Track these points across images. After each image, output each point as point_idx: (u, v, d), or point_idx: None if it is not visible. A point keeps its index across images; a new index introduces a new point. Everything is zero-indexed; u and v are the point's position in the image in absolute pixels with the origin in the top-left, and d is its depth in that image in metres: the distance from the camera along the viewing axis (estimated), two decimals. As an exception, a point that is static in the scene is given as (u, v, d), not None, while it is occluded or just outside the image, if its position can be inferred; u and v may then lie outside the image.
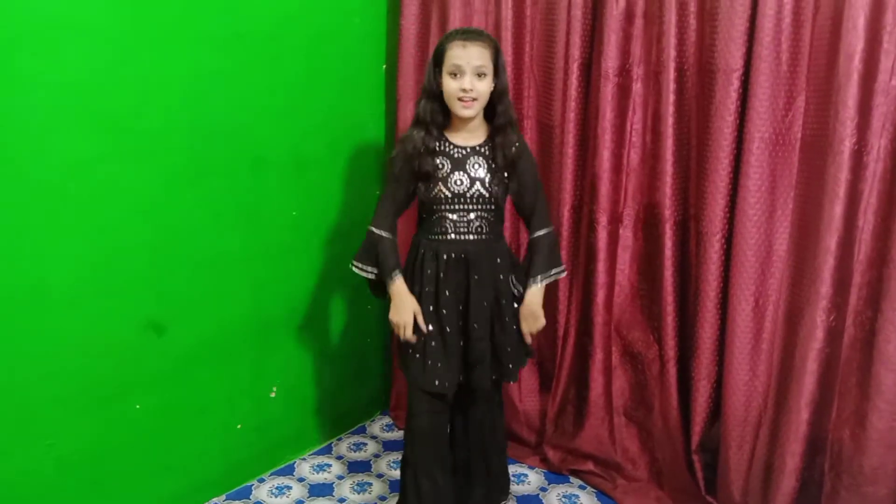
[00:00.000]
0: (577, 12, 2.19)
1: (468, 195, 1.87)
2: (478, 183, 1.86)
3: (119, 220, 1.84)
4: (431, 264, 1.90)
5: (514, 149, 1.88)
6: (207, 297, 2.09)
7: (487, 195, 1.88)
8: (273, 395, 2.37)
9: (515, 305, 1.97)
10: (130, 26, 1.78)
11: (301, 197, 2.33)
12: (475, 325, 1.89)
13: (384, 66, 2.60)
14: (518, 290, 1.96)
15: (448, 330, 1.89)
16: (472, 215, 1.88)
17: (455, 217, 1.88)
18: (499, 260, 1.93)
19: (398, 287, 1.90)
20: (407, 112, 2.50)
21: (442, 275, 1.89)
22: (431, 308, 1.90)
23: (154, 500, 2.06)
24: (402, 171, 1.90)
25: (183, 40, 1.90)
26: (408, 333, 1.89)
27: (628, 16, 2.13)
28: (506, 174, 1.90)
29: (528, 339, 1.99)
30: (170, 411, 2.05)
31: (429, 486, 1.98)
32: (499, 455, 2.17)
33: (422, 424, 1.97)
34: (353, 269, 1.99)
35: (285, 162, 2.25)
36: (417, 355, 1.91)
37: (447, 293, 1.89)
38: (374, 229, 1.94)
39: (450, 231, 1.89)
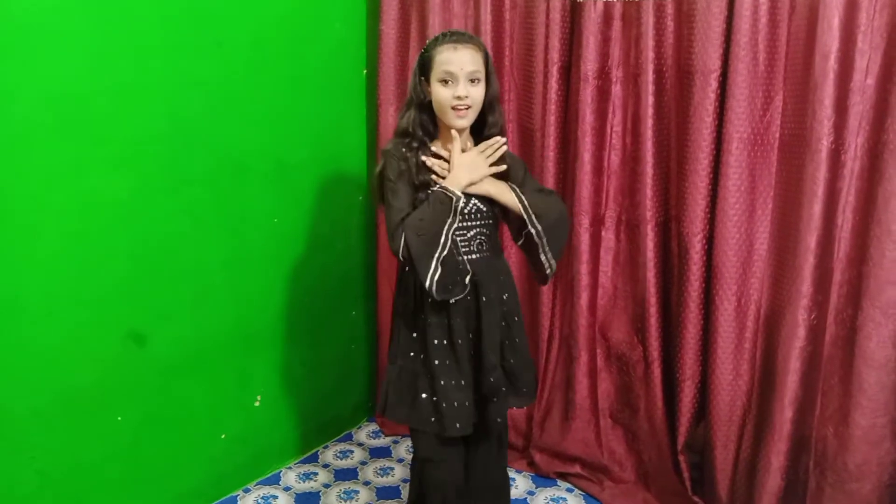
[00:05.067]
0: (556, 15, 2.19)
1: (466, 211, 1.70)
2: (474, 197, 1.71)
3: (98, 230, 1.82)
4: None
5: (506, 158, 1.73)
6: (189, 306, 2.07)
7: (486, 209, 1.73)
8: (258, 403, 2.35)
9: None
10: (110, 35, 1.76)
11: (283, 204, 2.31)
12: (490, 354, 1.69)
13: (364, 71, 2.60)
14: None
15: (461, 363, 1.69)
16: (471, 232, 1.72)
17: (455, 235, 1.68)
18: (502, 277, 1.78)
19: (449, 178, 1.66)
20: (388, 117, 2.50)
21: (453, 301, 1.67)
22: (445, 341, 1.70)
23: (138, 513, 2.04)
24: (399, 183, 1.68)
25: (163, 48, 1.89)
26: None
27: (606, 18, 2.13)
28: None
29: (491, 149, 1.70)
30: (152, 422, 2.02)
31: None
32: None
33: (438, 474, 1.77)
34: (440, 283, 1.61)
35: (267, 169, 2.24)
36: (423, 395, 1.69)
37: (458, 320, 1.69)
38: (397, 233, 1.63)
39: None
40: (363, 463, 2.53)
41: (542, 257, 1.74)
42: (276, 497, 2.30)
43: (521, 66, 2.33)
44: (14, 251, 1.66)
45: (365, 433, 2.76)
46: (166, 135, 1.93)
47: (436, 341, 1.69)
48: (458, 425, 1.67)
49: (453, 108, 1.66)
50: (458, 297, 1.66)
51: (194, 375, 2.12)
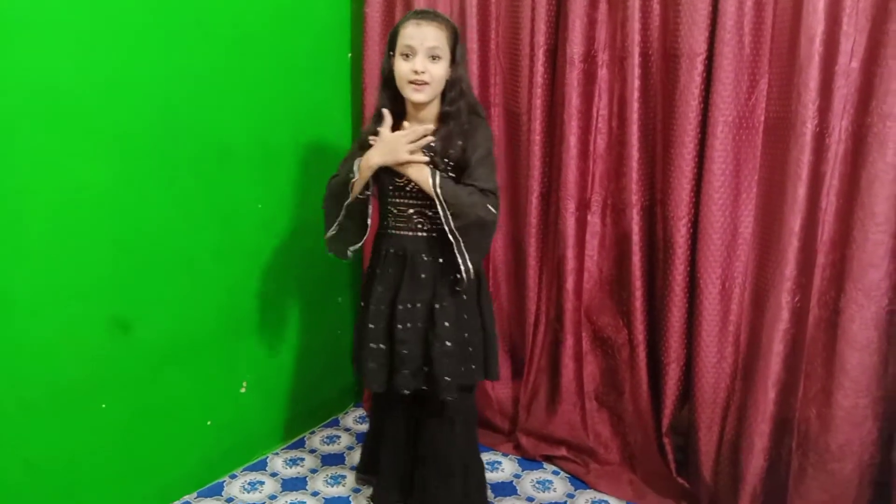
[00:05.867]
0: (542, -2, 2.18)
1: (407, 189, 1.79)
2: None
3: (85, 219, 1.80)
4: (376, 260, 1.87)
5: (459, 142, 1.74)
6: (175, 293, 2.05)
7: None
8: (243, 389, 2.34)
9: (465, 316, 1.83)
10: (93, 24, 1.74)
11: (268, 189, 2.29)
12: (398, 327, 1.79)
13: (349, 55, 2.57)
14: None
15: (378, 328, 1.83)
16: (410, 210, 1.80)
17: (396, 211, 1.82)
18: (441, 260, 1.79)
19: (364, 158, 1.76)
20: (373, 100, 2.45)
21: (378, 271, 1.85)
22: (373, 306, 1.84)
23: (126, 501, 2.02)
24: (357, 151, 1.84)
25: (147, 36, 1.86)
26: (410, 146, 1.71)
27: (592, 1, 2.12)
28: (450, 166, 1.76)
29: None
30: (139, 410, 2.01)
31: (383, 461, 2.08)
32: (439, 484, 1.96)
33: (372, 418, 2.11)
34: (330, 241, 1.91)
35: (252, 154, 2.21)
36: (358, 351, 1.92)
37: (380, 289, 1.84)
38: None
39: (390, 226, 1.84)
40: (350, 448, 2.53)
41: (459, 258, 1.72)
42: (262, 483, 2.30)
43: (507, 49, 2.32)
44: (-1, 242, 1.65)
45: (351, 418, 2.76)
46: (150, 120, 1.91)
47: (382, 307, 1.84)
48: (371, 383, 1.86)
49: (411, 81, 1.70)
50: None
51: (180, 362, 2.11)
